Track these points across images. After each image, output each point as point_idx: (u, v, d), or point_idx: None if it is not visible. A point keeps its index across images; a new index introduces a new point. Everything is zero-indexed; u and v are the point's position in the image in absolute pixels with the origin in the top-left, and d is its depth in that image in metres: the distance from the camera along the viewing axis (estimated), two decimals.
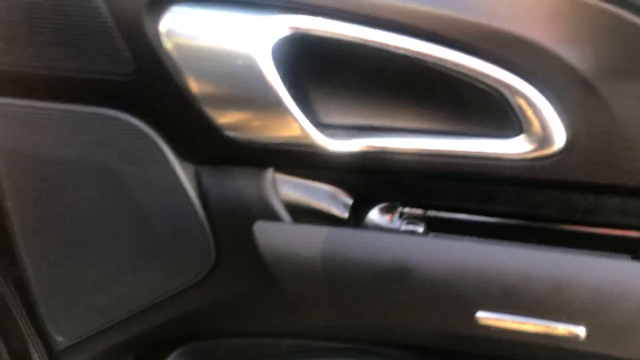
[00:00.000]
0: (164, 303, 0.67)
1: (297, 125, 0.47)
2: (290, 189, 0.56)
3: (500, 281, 0.42)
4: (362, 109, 0.48)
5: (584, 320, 0.42)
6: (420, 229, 0.54)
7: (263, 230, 0.48)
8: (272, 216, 0.55)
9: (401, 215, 0.55)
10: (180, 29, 0.47)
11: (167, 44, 0.47)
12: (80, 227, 0.62)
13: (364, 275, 0.45)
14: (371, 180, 0.54)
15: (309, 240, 0.48)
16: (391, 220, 0.55)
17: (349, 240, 0.46)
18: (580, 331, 0.42)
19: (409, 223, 0.55)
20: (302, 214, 0.57)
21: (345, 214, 0.56)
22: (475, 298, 0.44)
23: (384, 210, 0.56)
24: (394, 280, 0.44)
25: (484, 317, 0.44)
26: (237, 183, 0.56)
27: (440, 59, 0.43)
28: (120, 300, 0.68)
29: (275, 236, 0.48)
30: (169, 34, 0.47)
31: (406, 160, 0.49)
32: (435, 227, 0.55)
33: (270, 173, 0.55)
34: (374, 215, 0.55)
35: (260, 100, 0.46)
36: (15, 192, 0.62)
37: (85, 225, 0.61)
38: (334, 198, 0.56)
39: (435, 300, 0.45)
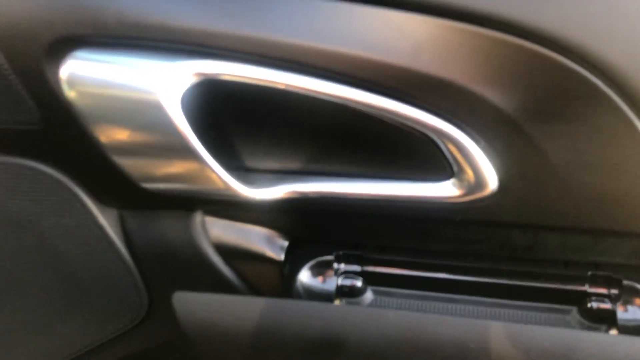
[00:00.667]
0: (100, 348, 0.64)
1: (214, 175, 0.43)
2: (221, 231, 0.53)
3: (438, 353, 0.40)
4: (286, 154, 0.45)
5: None
6: (359, 283, 0.52)
7: (182, 301, 0.45)
8: (202, 261, 0.52)
9: (337, 271, 0.52)
10: (83, 76, 0.43)
11: (70, 92, 0.43)
12: (4, 279, 0.58)
13: (293, 348, 0.43)
14: (306, 221, 0.51)
15: (232, 312, 0.44)
16: (324, 281, 0.52)
17: (276, 312, 0.43)
18: None
19: (346, 278, 0.52)
20: (236, 256, 0.54)
21: (281, 256, 0.53)
22: None
23: (316, 270, 0.53)
24: (326, 352, 0.42)
25: None
26: (164, 227, 0.53)
27: (361, 103, 0.40)
28: (55, 348, 0.64)
29: (195, 307, 0.45)
30: (71, 81, 0.43)
31: (336, 204, 0.46)
32: (373, 281, 0.53)
33: (199, 216, 0.52)
34: (305, 277, 0.52)
35: (173, 150, 0.43)
36: None
37: (9, 277, 0.58)
38: (268, 240, 0.53)
39: None
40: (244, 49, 0.39)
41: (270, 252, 0.53)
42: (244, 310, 0.45)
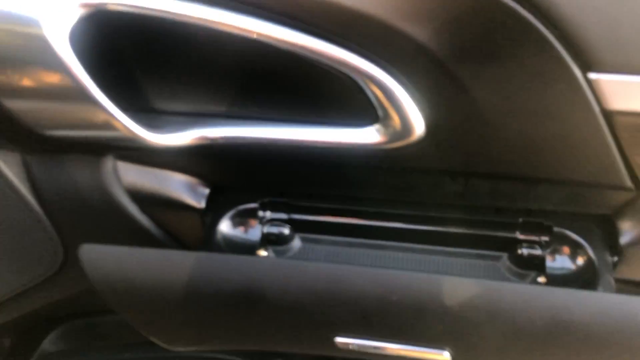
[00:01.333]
0: (20, 297, 0.60)
1: (113, 119, 0.39)
2: (136, 177, 0.49)
3: (359, 305, 0.38)
4: (198, 95, 0.41)
5: (448, 344, 0.39)
6: (286, 230, 0.49)
7: (89, 254, 0.42)
8: (116, 209, 0.49)
9: (262, 220, 0.49)
10: None
11: None
12: None
13: (212, 301, 0.40)
14: (227, 168, 0.47)
15: (143, 266, 0.41)
16: (247, 230, 0.49)
17: (187, 265, 0.40)
18: (444, 355, 0.39)
19: (272, 226, 0.49)
20: (154, 204, 0.50)
21: (201, 204, 0.50)
22: (334, 323, 0.40)
23: (240, 219, 0.50)
24: (244, 307, 0.39)
25: (343, 341, 0.40)
26: (73, 173, 0.48)
27: (277, 39, 0.36)
28: None
29: (103, 260, 0.41)
30: None
31: (252, 150, 0.42)
32: (301, 229, 0.50)
33: (109, 161, 0.47)
34: (227, 226, 0.49)
35: (66, 93, 0.38)
36: None
37: None
38: (188, 187, 0.49)
39: (292, 324, 0.41)
40: None
41: (190, 200, 0.49)
42: (155, 263, 0.42)
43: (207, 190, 0.49)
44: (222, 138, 0.41)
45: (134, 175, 0.48)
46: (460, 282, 0.38)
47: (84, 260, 0.43)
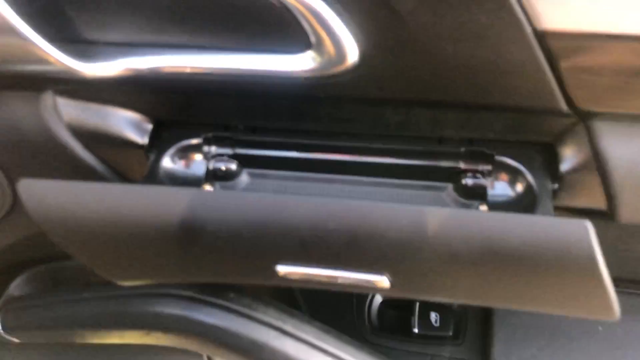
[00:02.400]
0: None
1: (39, 50, 0.38)
2: (77, 113, 0.48)
3: (297, 234, 0.38)
4: (126, 24, 0.40)
5: (386, 269, 0.40)
6: (233, 166, 0.48)
7: (28, 189, 0.41)
8: (58, 146, 0.48)
9: (207, 155, 0.49)
10: None
11: None
12: None
13: (154, 234, 0.40)
14: (167, 101, 0.47)
15: (83, 199, 0.41)
16: (188, 166, 0.49)
17: (129, 198, 0.40)
18: (383, 280, 0.39)
19: (218, 162, 0.49)
20: (97, 141, 0.49)
21: (144, 140, 0.49)
22: (273, 252, 0.40)
23: (184, 154, 0.49)
24: (185, 238, 0.39)
25: (284, 270, 0.40)
26: (12, 110, 0.47)
27: None
28: None
29: (42, 195, 0.41)
30: None
31: (191, 80, 0.42)
32: (247, 164, 0.50)
33: (49, 97, 0.46)
34: (170, 162, 0.49)
35: None
36: None
37: None
38: (130, 122, 0.49)
39: (234, 255, 0.41)
40: None
41: (133, 136, 0.49)
42: (96, 197, 0.42)
43: (150, 126, 0.49)
44: (152, 68, 0.40)
45: (74, 111, 0.48)
46: (396, 208, 0.39)
47: (23, 195, 0.42)
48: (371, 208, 0.38)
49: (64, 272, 0.78)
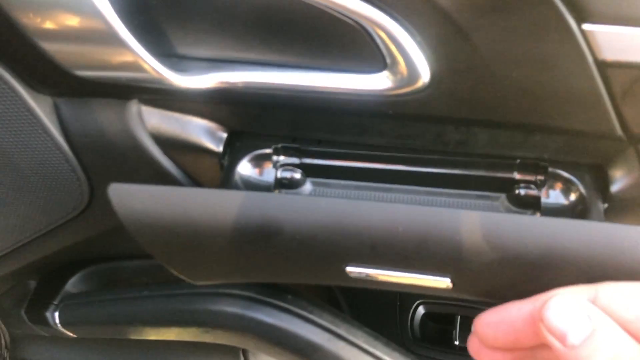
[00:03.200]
0: (46, 236, 0.65)
1: (142, 61, 0.42)
2: (159, 121, 0.52)
3: (368, 237, 0.41)
4: (219, 41, 0.44)
5: (449, 271, 0.42)
6: (298, 175, 0.52)
7: (118, 193, 0.45)
8: (141, 151, 0.52)
9: (276, 164, 0.53)
10: None
11: None
12: None
13: (233, 236, 0.43)
14: (242, 113, 0.50)
15: (169, 203, 0.44)
16: (262, 174, 0.53)
17: (213, 201, 0.43)
18: (446, 282, 0.42)
19: (285, 171, 0.53)
20: (174, 147, 0.53)
21: (219, 148, 0.53)
22: (344, 254, 0.43)
23: (255, 163, 0.53)
24: (263, 240, 0.43)
25: (354, 270, 0.43)
26: (100, 116, 0.52)
27: None
28: (1, 233, 0.65)
29: (132, 199, 0.45)
30: None
31: (268, 96, 0.46)
32: (312, 173, 0.53)
33: (134, 105, 0.51)
34: (243, 169, 0.52)
35: (98, 35, 0.41)
36: None
37: None
38: (207, 131, 0.52)
39: (306, 257, 0.44)
40: None
41: (209, 144, 0.53)
42: (181, 201, 0.45)
43: (224, 135, 0.53)
44: (240, 82, 0.44)
45: (157, 119, 0.52)
46: (460, 213, 0.41)
47: (113, 197, 0.46)
48: (438, 213, 0.41)
49: (119, 272, 0.82)
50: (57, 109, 0.52)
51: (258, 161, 0.53)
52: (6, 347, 1.19)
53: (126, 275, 0.82)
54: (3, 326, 1.15)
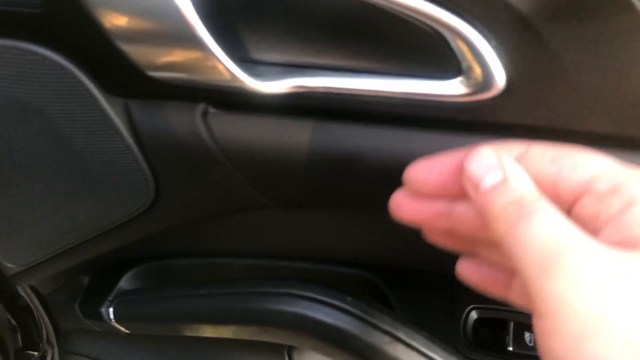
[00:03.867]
0: (109, 233, 0.66)
1: (221, 65, 0.43)
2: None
3: None
4: (293, 46, 0.45)
5: None
6: None
7: (218, 120, 0.51)
8: (206, 151, 0.53)
9: None
10: None
11: None
12: (12, 163, 0.59)
13: (316, 163, 0.48)
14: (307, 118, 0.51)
15: (262, 131, 0.49)
16: None
17: (302, 131, 0.48)
18: None
19: None
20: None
21: None
22: None
23: None
24: (345, 168, 0.47)
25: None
26: (170, 118, 0.53)
27: None
28: (62, 232, 0.67)
29: (229, 126, 0.51)
30: None
31: (342, 100, 0.46)
32: None
33: (202, 108, 0.52)
34: None
35: (180, 38, 0.42)
36: None
37: (16, 162, 0.59)
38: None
39: (385, 187, 0.45)
40: None
41: None
42: (274, 129, 0.50)
43: None
44: (315, 87, 0.45)
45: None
46: None
47: (213, 125, 0.51)
48: None
49: (170, 270, 0.83)
50: (127, 111, 0.53)
51: None
52: (48, 341, 1.22)
53: (177, 274, 0.84)
54: (47, 319, 1.18)
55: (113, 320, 0.79)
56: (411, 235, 0.43)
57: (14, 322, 1.20)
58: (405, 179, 0.40)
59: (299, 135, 0.49)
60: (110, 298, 0.80)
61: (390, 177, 0.43)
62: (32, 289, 1.12)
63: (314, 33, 0.44)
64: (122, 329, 0.80)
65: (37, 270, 0.76)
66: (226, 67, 0.43)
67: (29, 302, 1.14)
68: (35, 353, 1.23)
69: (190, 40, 0.42)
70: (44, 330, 1.19)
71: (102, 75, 0.50)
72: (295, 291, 0.57)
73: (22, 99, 0.53)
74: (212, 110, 0.52)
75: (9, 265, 0.76)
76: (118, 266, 0.85)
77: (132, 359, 0.99)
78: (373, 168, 0.47)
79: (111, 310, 0.79)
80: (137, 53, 0.45)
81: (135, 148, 0.55)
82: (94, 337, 0.98)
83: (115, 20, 0.43)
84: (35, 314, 1.16)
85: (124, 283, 0.84)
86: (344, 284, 0.74)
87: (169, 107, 0.52)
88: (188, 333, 0.73)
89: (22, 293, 1.15)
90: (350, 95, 0.45)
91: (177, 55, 0.44)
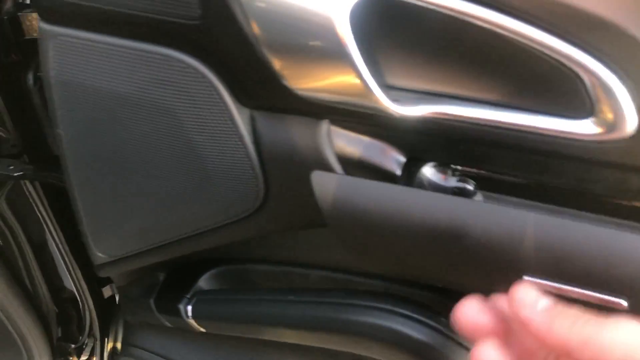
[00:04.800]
0: (204, 234, 0.69)
1: (364, 86, 0.46)
2: (344, 141, 0.56)
3: (553, 251, 0.44)
4: (430, 75, 0.48)
5: (626, 293, 0.44)
6: (471, 187, 0.55)
7: (320, 180, 0.52)
8: (325, 167, 0.56)
9: (453, 172, 0.56)
10: None
11: None
12: (130, 158, 0.63)
13: (417, 233, 0.47)
14: (427, 141, 0.54)
15: (365, 194, 0.49)
16: (445, 179, 0.56)
17: (406, 198, 0.48)
18: (622, 302, 0.44)
19: (459, 181, 0.55)
20: (354, 167, 0.57)
21: (397, 171, 0.56)
22: (526, 264, 0.46)
23: (438, 168, 0.56)
24: (447, 241, 0.46)
25: (531, 281, 0.46)
26: (292, 131, 0.56)
27: (515, 32, 0.42)
28: (162, 229, 0.70)
29: (331, 186, 0.51)
30: None
31: (469, 129, 0.49)
32: (484, 186, 0.56)
33: (325, 124, 0.55)
34: (428, 172, 0.55)
35: (330, 56, 0.45)
36: (66, 120, 0.62)
37: (135, 157, 0.63)
38: (387, 155, 0.56)
39: (486, 263, 0.47)
40: None
41: (388, 167, 0.56)
42: (376, 193, 0.50)
43: (403, 160, 0.56)
44: (448, 115, 0.47)
45: (343, 139, 0.56)
46: None
47: (315, 183, 0.52)
48: (626, 236, 0.44)
49: (248, 275, 0.86)
50: (253, 121, 0.57)
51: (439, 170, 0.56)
52: (90, 334, 1.25)
53: (254, 279, 0.86)
54: (94, 312, 1.22)
55: (191, 318, 0.82)
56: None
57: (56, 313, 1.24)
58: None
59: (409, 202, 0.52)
60: (188, 295, 0.84)
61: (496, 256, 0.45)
62: (104, 280, 1.15)
63: (453, 64, 0.47)
64: (199, 326, 0.82)
65: (125, 262, 0.79)
66: (372, 90, 0.46)
67: (78, 295, 1.18)
68: (73, 345, 1.26)
69: (341, 59, 0.45)
70: (87, 323, 1.23)
71: (238, 85, 0.54)
72: (389, 306, 0.60)
73: (157, 101, 0.57)
74: (334, 128, 0.55)
75: (100, 255, 0.80)
76: (195, 266, 0.89)
77: (190, 355, 1.01)
78: (478, 246, 0.47)
79: (189, 307, 0.82)
80: (283, 65, 0.49)
81: (254, 156, 0.58)
82: (157, 332, 1.01)
83: (267, 32, 0.47)
84: (84, 306, 1.20)
85: (202, 283, 0.87)
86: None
87: (293, 120, 0.56)
88: (268, 337, 0.75)
89: (70, 285, 1.19)
90: (486, 126, 0.47)
91: (323, 71, 0.47)
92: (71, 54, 0.56)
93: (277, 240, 0.80)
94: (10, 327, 1.18)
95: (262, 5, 0.46)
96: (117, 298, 1.20)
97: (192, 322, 0.83)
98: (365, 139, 0.56)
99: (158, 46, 0.53)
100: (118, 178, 0.66)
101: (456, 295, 0.65)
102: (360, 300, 0.62)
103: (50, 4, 0.53)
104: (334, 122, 0.55)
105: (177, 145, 0.60)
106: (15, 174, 0.86)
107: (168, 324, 0.89)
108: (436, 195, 0.48)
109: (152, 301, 0.90)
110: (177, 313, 0.84)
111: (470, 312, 0.42)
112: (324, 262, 0.81)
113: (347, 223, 0.50)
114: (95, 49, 0.55)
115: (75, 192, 0.70)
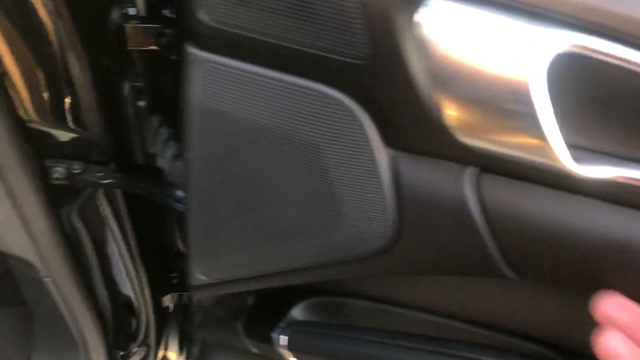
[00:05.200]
0: (310, 269, 0.68)
1: (547, 145, 0.44)
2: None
3: None
4: (616, 136, 0.45)
5: None
6: None
7: (490, 185, 0.51)
8: (465, 216, 0.53)
9: None
10: (437, 23, 0.44)
11: (419, 33, 0.44)
12: (260, 187, 0.62)
13: (578, 245, 0.47)
14: None
15: (539, 202, 0.49)
16: None
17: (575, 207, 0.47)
18: None
19: None
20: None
21: None
22: None
23: None
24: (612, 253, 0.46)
25: None
26: (435, 175, 0.54)
27: None
28: (274, 259, 0.69)
29: (502, 191, 0.51)
30: (423, 25, 0.44)
31: None
32: None
33: (475, 172, 0.52)
34: None
35: (517, 117, 0.43)
36: (199, 145, 0.61)
37: (266, 187, 0.61)
38: None
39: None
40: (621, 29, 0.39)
41: None
42: (550, 203, 0.49)
43: None
44: (632, 179, 0.44)
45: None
46: None
47: (485, 188, 0.51)
48: None
49: (344, 309, 0.84)
50: (394, 162, 0.55)
51: None
52: (143, 343, 1.24)
53: (350, 313, 0.84)
54: (152, 322, 1.20)
55: (286, 348, 0.80)
56: None
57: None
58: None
59: (578, 214, 0.49)
60: (283, 325, 0.82)
61: None
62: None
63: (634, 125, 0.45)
64: (293, 358, 0.81)
65: (223, 286, 0.78)
66: (554, 148, 0.43)
67: (137, 302, 1.17)
68: (121, 352, 1.26)
69: (528, 118, 0.43)
70: (142, 331, 1.22)
71: (389, 128, 0.52)
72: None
73: (301, 134, 0.55)
74: (484, 175, 0.53)
75: (200, 276, 0.79)
76: (288, 293, 0.87)
77: None
78: None
79: (283, 337, 0.81)
80: (452, 115, 0.47)
81: (391, 197, 0.56)
82: (237, 356, 1.00)
83: (443, 82, 0.45)
84: (140, 314, 1.19)
85: (295, 312, 0.85)
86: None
87: (437, 164, 0.54)
88: None
89: (126, 290, 1.18)
90: None
91: (501, 125, 0.45)
92: (219, 82, 0.55)
93: (384, 279, 0.78)
94: (74, 330, 1.18)
95: (446, 53, 0.44)
96: (170, 308, 1.19)
97: (286, 352, 0.81)
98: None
99: (311, 81, 0.52)
100: (241, 205, 0.65)
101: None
102: (484, 356, 0.59)
103: (209, 31, 0.52)
104: (484, 169, 0.53)
105: (313, 179, 0.58)
106: (104, 182, 0.86)
107: (255, 350, 0.88)
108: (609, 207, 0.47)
109: (240, 324, 0.89)
110: (268, 341, 0.83)
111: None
112: (425, 304, 0.78)
113: (513, 229, 0.51)
114: (245, 78, 0.54)
115: (191, 213, 0.69)
